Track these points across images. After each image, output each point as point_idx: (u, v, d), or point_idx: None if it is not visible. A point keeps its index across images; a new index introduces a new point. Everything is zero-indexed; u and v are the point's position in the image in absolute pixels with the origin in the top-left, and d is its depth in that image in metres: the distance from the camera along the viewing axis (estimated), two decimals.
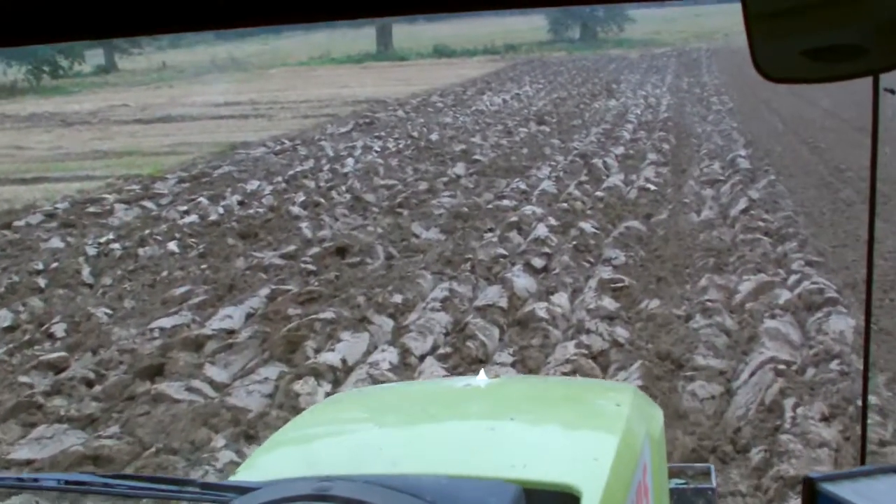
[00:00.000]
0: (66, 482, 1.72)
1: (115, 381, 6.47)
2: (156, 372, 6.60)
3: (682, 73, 31.52)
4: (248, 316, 7.74)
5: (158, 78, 45.34)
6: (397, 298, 7.77)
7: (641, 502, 2.03)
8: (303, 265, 9.09)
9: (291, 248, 9.84)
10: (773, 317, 6.77)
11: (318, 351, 6.74)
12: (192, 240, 10.63)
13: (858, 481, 1.52)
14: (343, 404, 3.00)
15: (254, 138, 20.47)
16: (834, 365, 5.78)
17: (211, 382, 6.36)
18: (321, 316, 7.30)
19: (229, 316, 7.65)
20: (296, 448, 2.31)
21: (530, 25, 56.64)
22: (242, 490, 1.57)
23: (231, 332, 7.34)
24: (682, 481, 2.93)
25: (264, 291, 8.29)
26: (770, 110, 20.23)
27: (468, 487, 1.54)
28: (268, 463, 2.13)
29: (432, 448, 2.11)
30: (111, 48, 53.99)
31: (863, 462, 1.93)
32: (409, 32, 58.16)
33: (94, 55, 53.00)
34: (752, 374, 5.77)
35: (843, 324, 6.51)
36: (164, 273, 9.37)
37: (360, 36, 56.28)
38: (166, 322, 7.62)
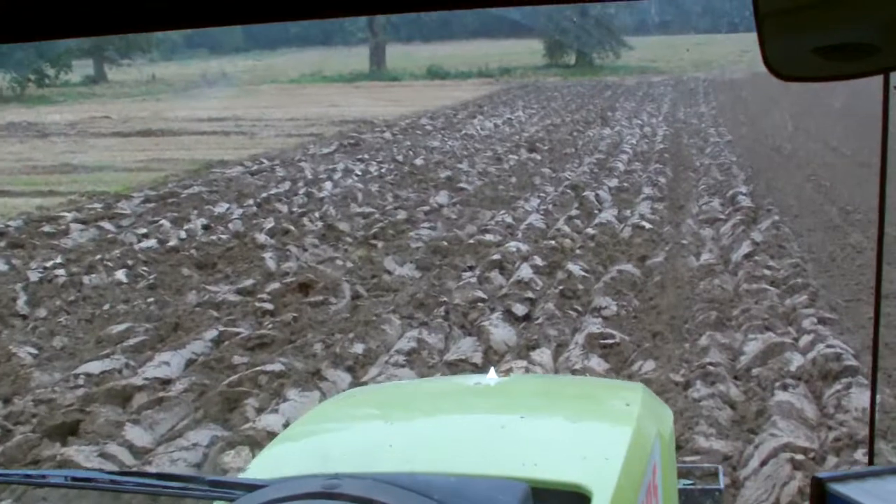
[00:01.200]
0: (73, 479, 1.73)
1: (21, 440, 5.56)
2: (70, 430, 5.70)
3: (679, 103, 30.74)
4: (189, 363, 6.83)
5: (146, 91, 44.58)
6: (358, 348, 6.87)
7: (651, 502, 2.00)
8: (259, 303, 8.18)
9: (250, 282, 8.92)
10: (784, 387, 5.89)
11: (259, 411, 5.83)
12: (145, 268, 9.71)
13: (867, 481, 1.53)
14: (353, 401, 2.91)
15: (232, 157, 19.60)
16: (860, 454, 4.89)
17: (130, 447, 5.44)
18: (268, 368, 6.40)
19: (166, 362, 6.74)
20: (305, 445, 2.28)
21: (526, 49, 55.98)
22: (250, 487, 1.54)
23: (166, 383, 6.44)
24: (690, 481, 2.92)
25: (211, 334, 7.38)
26: (770, 144, 19.43)
27: (477, 486, 1.50)
28: (277, 460, 2.09)
29: (442, 446, 2.09)
30: (101, 58, 53.36)
31: (871, 462, 1.91)
32: (404, 52, 57.44)
33: (84, 65, 52.32)
34: (762, 463, 4.88)
35: (866, 399, 5.62)
36: (107, 306, 8.46)
37: (353, 55, 55.61)
38: (95, 367, 6.71)
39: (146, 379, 6.44)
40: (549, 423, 2.37)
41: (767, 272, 8.79)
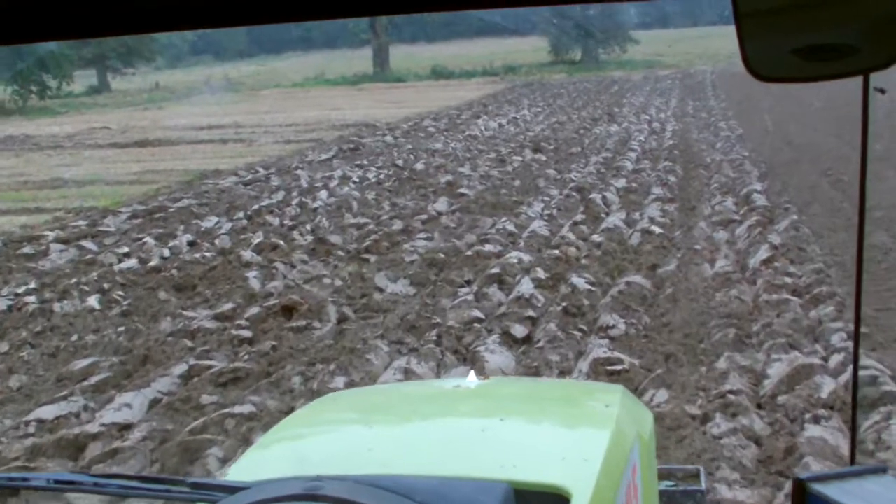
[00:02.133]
0: (56, 481, 1.72)
1: None
2: (10, 491, 5.06)
3: (687, 97, 30.04)
4: (153, 404, 6.18)
5: (149, 99, 44.12)
6: (339, 381, 6.22)
7: (631, 503, 2.00)
8: (237, 331, 7.53)
9: (230, 306, 8.27)
10: (815, 419, 5.21)
11: (223, 462, 5.19)
12: (120, 293, 9.06)
13: (848, 481, 1.55)
14: (334, 404, 2.90)
15: (227, 166, 19.00)
16: None
17: None
18: (237, 410, 5.75)
19: (128, 404, 6.10)
20: (287, 448, 2.27)
21: (531, 47, 55.33)
22: (232, 489, 1.53)
23: (124, 429, 5.80)
24: (672, 483, 2.87)
25: (181, 368, 6.74)
26: (783, 138, 18.72)
27: (458, 487, 1.50)
28: (259, 462, 2.06)
29: (423, 448, 2.08)
30: (104, 68, 53.00)
31: (852, 462, 1.92)
32: (407, 53, 56.86)
33: (88, 75, 51.94)
34: None
35: None
36: (75, 337, 7.82)
37: (356, 57, 55.07)
38: (49, 411, 6.07)
39: (103, 425, 5.80)
40: (529, 425, 2.38)
41: (788, 280, 8.10)
